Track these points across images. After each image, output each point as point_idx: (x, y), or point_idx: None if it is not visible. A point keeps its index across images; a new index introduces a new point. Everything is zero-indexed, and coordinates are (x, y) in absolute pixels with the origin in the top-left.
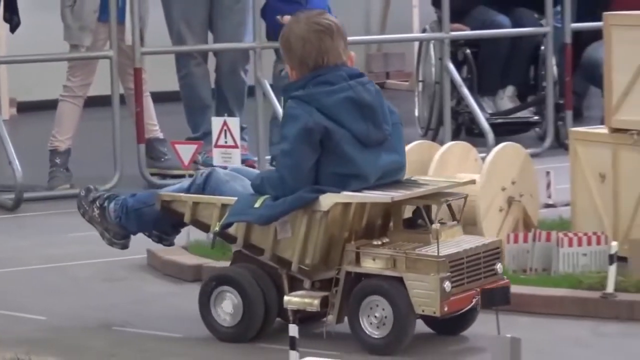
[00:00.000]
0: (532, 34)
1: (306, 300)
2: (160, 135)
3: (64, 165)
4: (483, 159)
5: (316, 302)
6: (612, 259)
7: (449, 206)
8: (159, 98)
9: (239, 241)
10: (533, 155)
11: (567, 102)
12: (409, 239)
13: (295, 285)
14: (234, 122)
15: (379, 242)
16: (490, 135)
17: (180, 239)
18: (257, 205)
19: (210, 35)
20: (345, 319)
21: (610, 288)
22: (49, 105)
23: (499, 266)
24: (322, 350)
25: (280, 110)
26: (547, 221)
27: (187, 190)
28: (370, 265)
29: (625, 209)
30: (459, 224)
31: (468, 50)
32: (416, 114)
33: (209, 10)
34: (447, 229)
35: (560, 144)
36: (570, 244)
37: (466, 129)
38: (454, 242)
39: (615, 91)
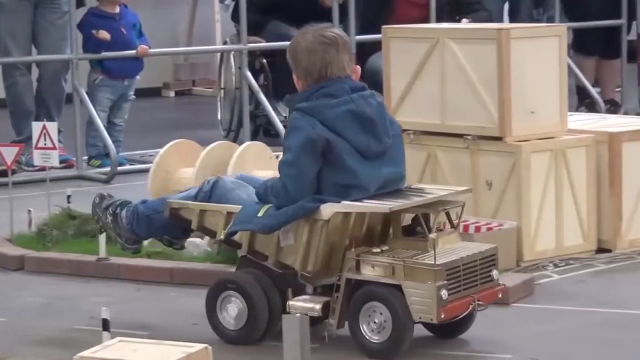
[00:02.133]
0: None
1: (308, 305)
2: None
3: None
4: (278, 157)
5: (318, 307)
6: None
7: (447, 214)
8: None
9: (243, 247)
10: None
11: None
12: (407, 247)
13: (298, 290)
14: (52, 126)
15: (379, 250)
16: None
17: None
18: (260, 214)
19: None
20: (346, 323)
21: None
22: None
23: (494, 272)
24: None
25: (95, 114)
26: None
27: (195, 197)
28: (370, 272)
29: None
30: (456, 231)
31: (264, 60)
32: (219, 117)
33: (33, 26)
34: (445, 236)
35: None
36: None
37: (264, 130)
38: (451, 250)
39: (393, 96)
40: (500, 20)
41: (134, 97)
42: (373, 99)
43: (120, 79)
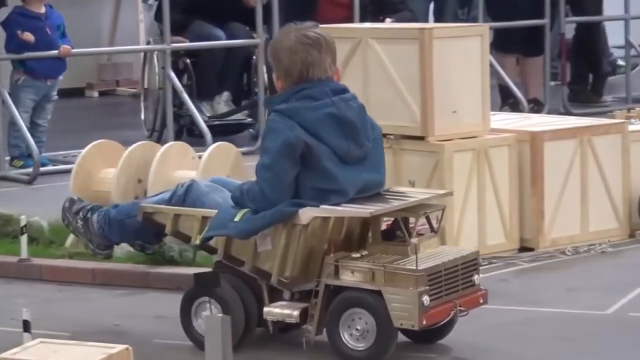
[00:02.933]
0: (245, 45)
1: (286, 311)
2: None
3: None
4: (201, 157)
5: (296, 313)
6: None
7: (427, 218)
8: None
9: (219, 253)
10: (248, 153)
11: None
12: (387, 251)
13: (275, 295)
14: None
15: (358, 255)
16: (208, 136)
17: None
18: (237, 219)
19: None
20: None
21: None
22: None
23: (476, 277)
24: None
25: (17, 115)
26: None
27: (169, 201)
28: (349, 278)
29: None
30: (437, 235)
31: (188, 60)
32: (142, 117)
33: None
34: (425, 240)
35: None
36: None
37: (187, 131)
38: (432, 255)
39: None
40: (426, 20)
41: (56, 97)
42: (354, 102)
43: (43, 80)
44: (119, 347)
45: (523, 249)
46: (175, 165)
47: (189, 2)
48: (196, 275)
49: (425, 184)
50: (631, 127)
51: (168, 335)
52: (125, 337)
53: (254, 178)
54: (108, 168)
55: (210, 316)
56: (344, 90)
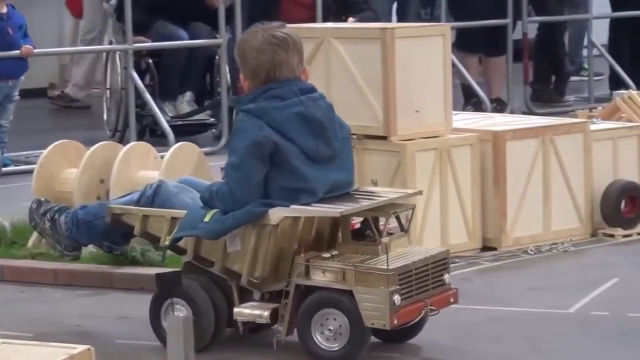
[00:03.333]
0: (207, 45)
1: (256, 312)
2: None
3: None
4: (164, 157)
5: (266, 314)
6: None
7: (397, 217)
8: None
9: (188, 253)
10: (210, 153)
11: None
12: (357, 251)
13: (245, 296)
14: None
15: (329, 255)
16: (171, 136)
17: None
18: (206, 219)
19: None
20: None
21: None
22: None
23: (446, 277)
24: None
25: None
26: None
27: (137, 202)
28: (320, 278)
29: None
30: (406, 234)
31: (150, 60)
32: (105, 117)
33: None
34: (395, 240)
35: None
36: None
37: (150, 131)
38: (402, 254)
39: None
40: (389, 20)
41: (18, 97)
42: (323, 102)
43: (4, 80)
44: (81, 348)
45: (485, 248)
46: (138, 165)
47: (151, 2)
48: (158, 275)
49: (388, 184)
50: (593, 127)
51: (131, 336)
52: (88, 338)
53: (217, 178)
54: (70, 168)
55: (172, 317)
56: (312, 89)
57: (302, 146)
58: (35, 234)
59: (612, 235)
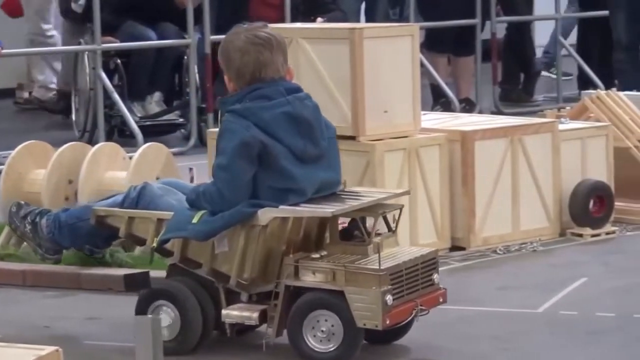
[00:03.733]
0: (176, 45)
1: (245, 313)
2: None
3: None
4: (132, 157)
5: (255, 315)
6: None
7: (385, 217)
8: None
9: (175, 255)
10: (179, 154)
11: (208, 106)
12: (346, 252)
13: (232, 298)
14: None
15: (318, 255)
16: (139, 136)
17: None
18: (194, 220)
19: None
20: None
21: None
22: None
23: (436, 276)
24: None
25: None
26: None
27: (121, 204)
28: (310, 278)
29: None
30: (394, 234)
31: (119, 60)
32: (73, 118)
33: None
34: (384, 240)
35: (203, 143)
36: None
37: (119, 131)
38: (391, 254)
39: None
40: (357, 20)
41: None
42: (309, 101)
43: None
44: (49, 349)
45: (454, 248)
46: (106, 165)
47: (119, 3)
48: (126, 276)
49: (356, 184)
50: (561, 127)
51: (99, 337)
52: (56, 339)
53: (185, 179)
54: (38, 169)
55: (139, 317)
56: (298, 89)
57: (289, 146)
58: (2, 236)
59: (580, 235)
